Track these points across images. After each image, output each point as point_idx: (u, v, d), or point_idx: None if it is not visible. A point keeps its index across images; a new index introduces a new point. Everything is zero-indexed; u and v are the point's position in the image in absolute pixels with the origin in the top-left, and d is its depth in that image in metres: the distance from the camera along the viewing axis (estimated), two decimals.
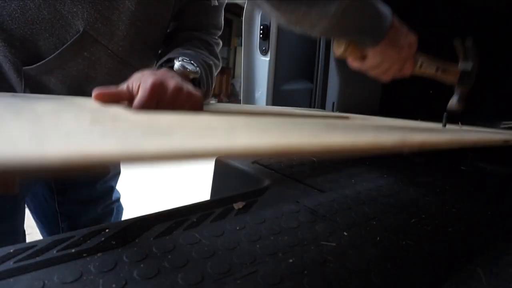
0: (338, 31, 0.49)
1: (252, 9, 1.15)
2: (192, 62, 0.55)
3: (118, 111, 0.35)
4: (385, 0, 0.49)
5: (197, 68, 0.55)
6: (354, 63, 0.55)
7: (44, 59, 0.55)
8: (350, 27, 0.48)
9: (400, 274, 0.40)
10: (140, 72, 0.46)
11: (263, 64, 1.15)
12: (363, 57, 0.53)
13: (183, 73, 0.52)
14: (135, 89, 0.44)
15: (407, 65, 0.54)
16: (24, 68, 0.55)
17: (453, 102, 0.63)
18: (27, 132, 0.17)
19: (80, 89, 0.58)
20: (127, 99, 0.43)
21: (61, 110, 0.33)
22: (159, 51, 0.68)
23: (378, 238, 0.48)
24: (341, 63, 0.99)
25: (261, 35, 1.13)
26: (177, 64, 0.52)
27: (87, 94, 0.47)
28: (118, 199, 0.88)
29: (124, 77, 0.45)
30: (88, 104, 0.40)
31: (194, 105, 0.46)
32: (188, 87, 0.46)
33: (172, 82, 0.44)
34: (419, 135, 0.35)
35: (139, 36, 0.60)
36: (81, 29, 0.54)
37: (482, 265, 0.42)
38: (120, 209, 0.89)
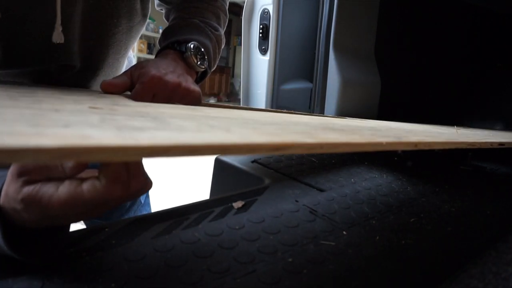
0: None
1: (251, 9, 1.15)
2: (202, 49, 0.53)
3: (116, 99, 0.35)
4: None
5: (205, 62, 0.54)
6: None
7: None
8: None
9: (400, 274, 0.40)
10: (144, 61, 0.47)
11: (262, 63, 1.15)
12: None
13: (191, 63, 0.52)
14: (135, 79, 0.45)
15: None
16: None
17: None
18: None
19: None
20: (129, 88, 0.46)
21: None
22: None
23: (377, 238, 0.48)
24: (342, 65, 0.99)
25: (260, 35, 1.13)
26: (187, 52, 0.52)
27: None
28: None
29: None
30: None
31: (191, 102, 0.47)
32: (188, 82, 0.47)
33: (172, 77, 0.45)
34: (415, 136, 0.35)
35: None
36: None
37: (482, 265, 0.42)
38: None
